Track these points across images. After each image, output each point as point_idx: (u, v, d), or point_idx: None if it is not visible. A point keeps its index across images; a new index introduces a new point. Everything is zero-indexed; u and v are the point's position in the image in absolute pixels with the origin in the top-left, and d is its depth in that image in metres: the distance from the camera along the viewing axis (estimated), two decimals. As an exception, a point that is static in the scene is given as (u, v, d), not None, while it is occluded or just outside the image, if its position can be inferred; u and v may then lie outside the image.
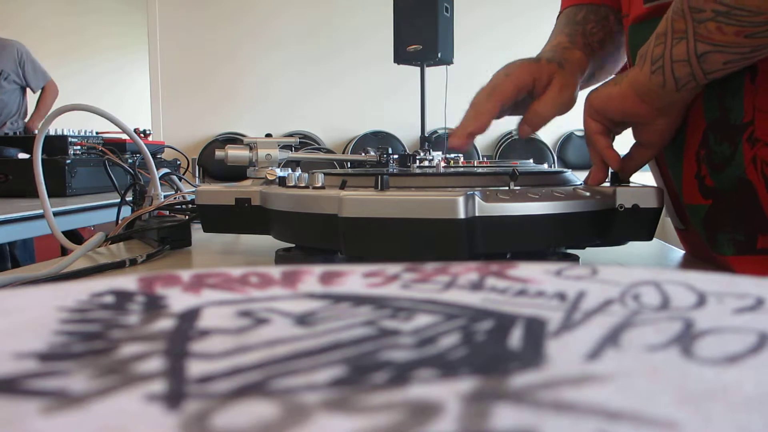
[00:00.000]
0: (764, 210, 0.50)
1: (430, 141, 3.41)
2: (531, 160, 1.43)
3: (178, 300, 0.18)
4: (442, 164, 0.77)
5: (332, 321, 0.16)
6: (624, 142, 0.58)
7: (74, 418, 0.11)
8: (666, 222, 0.63)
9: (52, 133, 1.76)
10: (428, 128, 3.03)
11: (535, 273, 0.20)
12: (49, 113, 0.70)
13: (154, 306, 0.17)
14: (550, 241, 0.48)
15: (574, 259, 0.51)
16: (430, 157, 0.79)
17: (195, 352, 0.14)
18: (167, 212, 0.76)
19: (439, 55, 2.76)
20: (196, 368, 0.13)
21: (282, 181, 0.54)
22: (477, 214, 0.44)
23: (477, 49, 3.71)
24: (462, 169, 0.71)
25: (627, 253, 0.62)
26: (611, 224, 0.50)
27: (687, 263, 0.62)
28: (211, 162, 3.76)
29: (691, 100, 0.52)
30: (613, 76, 0.65)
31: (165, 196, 0.77)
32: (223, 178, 2.20)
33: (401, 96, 3.80)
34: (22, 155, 1.71)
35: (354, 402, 0.11)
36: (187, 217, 0.72)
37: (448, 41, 2.82)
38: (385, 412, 0.11)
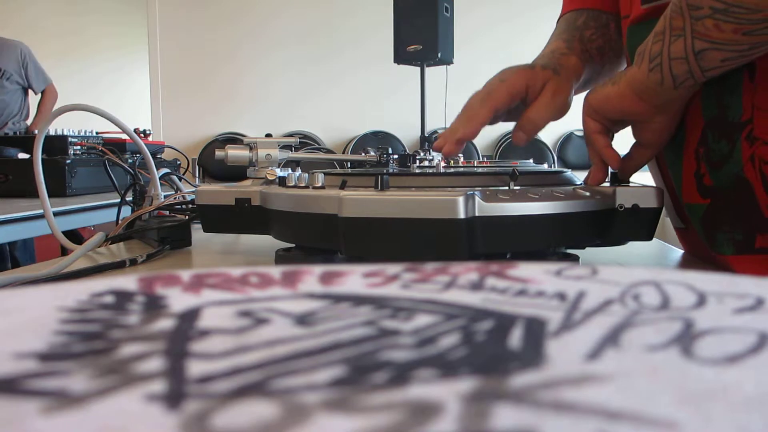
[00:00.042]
0: (762, 209, 0.50)
1: (430, 141, 3.41)
2: (531, 160, 1.42)
3: (178, 300, 0.18)
4: (442, 164, 0.77)
5: (332, 321, 0.16)
6: (624, 141, 0.58)
7: (74, 418, 0.11)
8: (666, 222, 0.63)
9: (52, 133, 1.76)
10: (428, 128, 3.03)
11: (535, 273, 0.20)
12: (49, 114, 0.70)
13: (154, 306, 0.17)
14: (550, 241, 0.48)
15: (574, 259, 0.51)
16: (430, 157, 0.79)
17: (195, 352, 0.14)
18: (167, 212, 0.76)
19: (439, 55, 2.76)
20: (196, 368, 0.13)
21: (282, 181, 0.54)
22: (477, 214, 0.44)
23: (477, 49, 3.71)
24: (462, 169, 0.71)
25: (627, 253, 0.62)
26: (611, 224, 0.50)
27: (687, 263, 0.62)
28: (211, 162, 3.76)
29: (690, 98, 0.52)
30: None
31: (165, 196, 0.77)
32: (223, 178, 2.20)
33: (401, 96, 3.80)
34: (22, 155, 1.71)
35: (354, 402, 0.11)
36: (187, 217, 0.72)
37: (448, 41, 2.82)
38: (385, 412, 0.11)
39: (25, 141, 1.81)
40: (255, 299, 0.18)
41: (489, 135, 3.95)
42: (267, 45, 4.13)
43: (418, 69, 2.85)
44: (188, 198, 0.78)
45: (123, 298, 0.18)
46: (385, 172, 0.57)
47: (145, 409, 0.11)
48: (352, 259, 0.47)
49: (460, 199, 0.43)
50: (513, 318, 0.16)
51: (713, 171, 0.53)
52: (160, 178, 0.77)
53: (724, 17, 0.42)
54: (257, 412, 0.11)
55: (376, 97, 4.06)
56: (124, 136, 1.81)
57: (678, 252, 0.67)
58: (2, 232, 1.29)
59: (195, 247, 0.69)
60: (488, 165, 0.88)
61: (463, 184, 0.51)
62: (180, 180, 0.99)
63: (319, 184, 0.51)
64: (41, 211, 0.71)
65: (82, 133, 1.87)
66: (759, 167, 0.50)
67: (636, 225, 0.50)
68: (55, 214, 0.72)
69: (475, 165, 0.85)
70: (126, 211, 0.79)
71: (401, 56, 2.81)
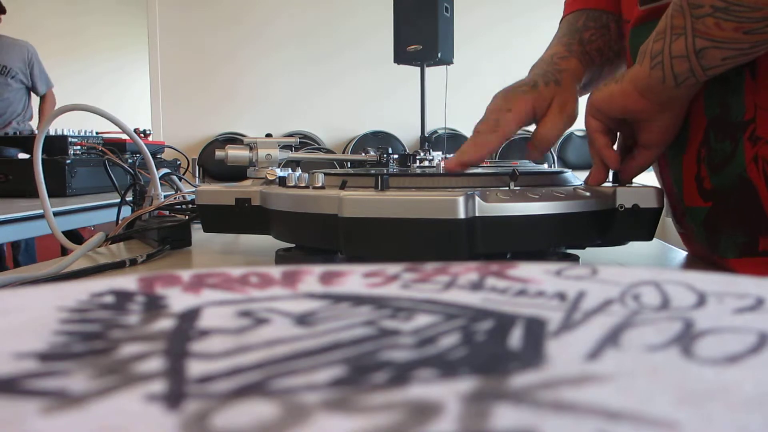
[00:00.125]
0: (765, 210, 0.50)
1: (430, 141, 3.41)
2: (531, 160, 1.42)
3: (178, 300, 0.18)
4: (442, 164, 0.77)
5: (332, 321, 0.16)
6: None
7: (74, 418, 0.11)
8: (666, 222, 0.62)
9: (52, 133, 1.76)
10: (428, 128, 3.03)
11: (535, 273, 0.20)
12: (49, 114, 0.70)
13: (154, 306, 0.17)
14: (550, 241, 0.48)
15: (574, 259, 0.51)
16: (430, 157, 0.79)
17: (195, 352, 0.14)
18: (167, 212, 0.76)
19: (439, 55, 2.76)
20: (196, 368, 0.13)
21: (282, 181, 0.54)
22: (477, 214, 0.44)
23: (477, 49, 3.71)
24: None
25: (627, 253, 0.62)
26: (611, 224, 0.50)
27: (687, 263, 0.62)
28: (211, 162, 3.76)
29: (693, 97, 0.52)
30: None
31: (165, 196, 0.77)
32: (223, 178, 2.20)
33: (401, 96, 3.80)
34: (22, 155, 1.71)
35: (354, 402, 0.11)
36: (187, 217, 0.72)
37: (448, 41, 2.82)
38: (385, 412, 0.11)
39: (25, 141, 1.81)
40: (255, 299, 0.18)
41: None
42: (267, 45, 4.13)
43: (418, 69, 2.85)
44: (188, 198, 0.78)
45: (123, 298, 0.18)
46: (385, 172, 0.57)
47: (145, 409, 0.11)
48: (352, 259, 0.47)
49: (460, 199, 0.43)
50: (513, 318, 0.16)
51: (714, 173, 0.53)
52: (160, 178, 0.77)
53: (725, 16, 0.42)
54: (257, 412, 0.11)
55: (376, 97, 4.06)
56: (124, 136, 1.80)
57: (678, 252, 0.67)
58: (2, 232, 1.29)
59: (195, 247, 0.69)
60: (488, 165, 0.88)
61: (463, 184, 0.51)
62: (180, 180, 0.99)
63: (319, 184, 0.51)
64: (41, 211, 0.71)
65: (82, 133, 1.87)
66: (762, 168, 0.49)
67: (636, 225, 0.50)
68: (55, 214, 0.72)
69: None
70: (126, 211, 0.79)
71: (401, 56, 2.81)
